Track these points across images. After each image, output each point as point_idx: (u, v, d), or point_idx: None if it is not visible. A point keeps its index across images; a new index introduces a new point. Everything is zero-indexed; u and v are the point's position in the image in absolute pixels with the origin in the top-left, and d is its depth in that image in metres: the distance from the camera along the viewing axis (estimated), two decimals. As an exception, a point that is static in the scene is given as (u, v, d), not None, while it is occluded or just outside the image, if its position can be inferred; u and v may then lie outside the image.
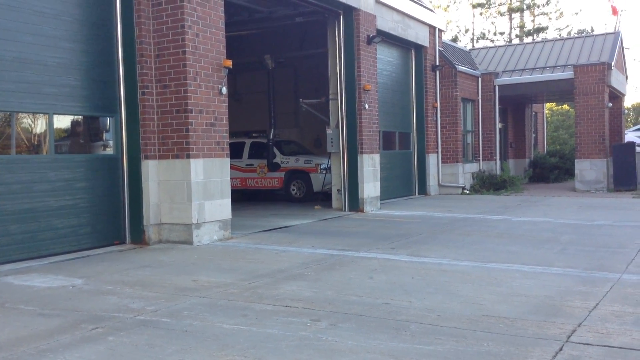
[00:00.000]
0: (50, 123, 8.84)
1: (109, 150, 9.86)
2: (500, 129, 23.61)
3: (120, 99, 9.78)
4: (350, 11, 14.28)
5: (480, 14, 48.23)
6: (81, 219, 9.18)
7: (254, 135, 18.25)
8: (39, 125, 8.97)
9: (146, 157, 9.75)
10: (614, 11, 31.06)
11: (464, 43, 46.52)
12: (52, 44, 8.82)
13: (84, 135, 9.86)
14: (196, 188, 9.63)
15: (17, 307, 5.87)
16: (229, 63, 10.22)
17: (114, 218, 9.70)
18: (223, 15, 10.30)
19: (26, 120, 8.92)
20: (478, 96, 22.05)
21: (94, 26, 9.45)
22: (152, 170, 9.77)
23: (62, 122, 9.37)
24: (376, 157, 14.98)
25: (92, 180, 9.40)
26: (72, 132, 9.66)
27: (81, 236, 9.17)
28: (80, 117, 9.55)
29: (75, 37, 9.18)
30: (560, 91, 23.43)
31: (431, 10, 19.85)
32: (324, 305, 5.76)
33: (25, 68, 8.46)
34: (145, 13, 9.68)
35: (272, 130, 17.39)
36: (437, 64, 19.39)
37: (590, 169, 20.66)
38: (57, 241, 8.81)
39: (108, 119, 9.75)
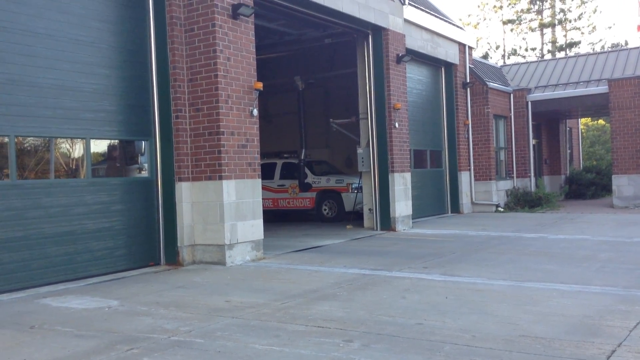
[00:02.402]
0: (87, 147, 9.07)
1: (144, 173, 10.05)
2: (534, 145, 23.29)
3: (155, 123, 9.99)
4: (379, 31, 14.36)
5: (511, 30, 47.91)
6: (117, 241, 9.35)
7: (285, 155, 18.37)
8: (77, 150, 9.20)
9: (180, 179, 9.91)
10: (639, 28, 31.23)
11: (495, 60, 46.23)
12: (88, 71, 9.09)
13: (119, 159, 10.08)
14: (228, 209, 9.73)
15: (54, 329, 5.99)
16: (260, 85, 10.36)
17: (149, 240, 9.85)
18: (253, 39, 10.47)
19: (64, 145, 9.17)
20: (510, 112, 21.82)
21: (128, 53, 9.71)
22: (185, 192, 9.91)
23: (99, 146, 9.61)
24: (407, 176, 14.92)
25: (128, 202, 9.58)
26: (108, 156, 9.89)
27: (117, 258, 9.32)
28: (116, 141, 9.78)
29: (111, 63, 9.44)
30: (595, 106, 23.04)
31: (461, 28, 19.83)
32: (356, 326, 5.73)
33: (63, 95, 8.73)
34: (178, 39, 9.91)
35: (304, 150, 17.49)
36: (468, 81, 19.31)
37: (629, 184, 20.18)
38: (94, 263, 8.98)
39: (143, 142, 9.95)
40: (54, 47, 8.63)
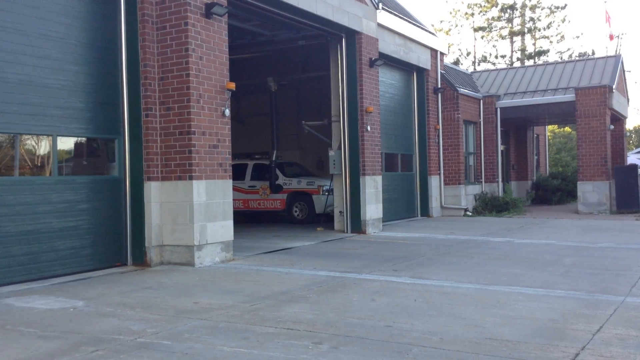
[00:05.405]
0: (54, 145, 8.89)
1: (112, 172, 9.88)
2: (502, 151, 23.66)
3: (124, 121, 9.84)
4: (352, 35, 14.42)
5: (482, 37, 48.59)
6: (83, 240, 9.18)
7: (256, 157, 18.30)
8: (43, 147, 9.02)
9: (149, 179, 9.78)
10: (611, 37, 32.19)
11: (466, 66, 46.81)
12: (57, 67, 8.91)
13: (87, 157, 9.90)
14: (198, 209, 9.64)
15: (17, 329, 5.85)
16: (232, 85, 10.30)
17: (116, 240, 9.70)
18: (226, 38, 10.41)
19: (29, 142, 8.97)
20: (480, 118, 22.14)
21: (98, 49, 9.55)
22: (154, 192, 9.79)
23: (66, 143, 9.42)
24: (378, 179, 15.00)
25: (95, 202, 9.42)
26: (75, 153, 9.71)
27: (83, 258, 9.16)
28: (83, 139, 9.61)
29: (80, 60, 9.28)
30: (562, 113, 23.52)
31: (433, 34, 20.03)
32: (325, 328, 5.73)
33: (30, 90, 8.54)
34: (150, 36, 9.79)
35: (275, 152, 17.45)
36: (439, 86, 19.52)
37: (593, 191, 20.63)
38: (59, 263, 8.80)
39: (112, 140, 9.78)
40: (22, 42, 8.44)
